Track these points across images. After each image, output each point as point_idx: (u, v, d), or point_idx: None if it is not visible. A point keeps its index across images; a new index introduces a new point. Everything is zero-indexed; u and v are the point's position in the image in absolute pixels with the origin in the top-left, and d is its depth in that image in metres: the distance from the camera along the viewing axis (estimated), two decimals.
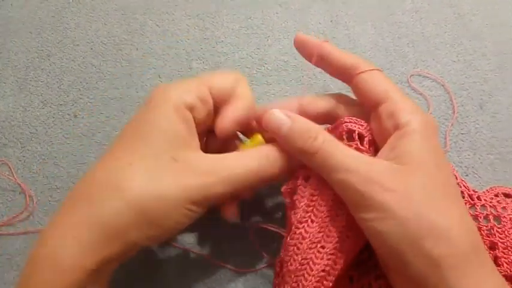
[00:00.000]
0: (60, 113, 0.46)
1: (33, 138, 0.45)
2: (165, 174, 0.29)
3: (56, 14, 0.52)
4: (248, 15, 0.52)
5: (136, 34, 0.51)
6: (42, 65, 0.49)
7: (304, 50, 0.36)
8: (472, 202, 0.40)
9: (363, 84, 0.33)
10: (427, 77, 0.47)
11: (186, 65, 0.49)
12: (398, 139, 0.31)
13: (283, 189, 0.34)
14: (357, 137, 0.33)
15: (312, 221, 0.32)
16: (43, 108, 0.46)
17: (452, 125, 0.45)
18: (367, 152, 0.32)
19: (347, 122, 0.33)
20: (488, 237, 0.38)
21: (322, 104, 0.35)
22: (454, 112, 0.45)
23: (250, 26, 0.51)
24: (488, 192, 0.41)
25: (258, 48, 0.49)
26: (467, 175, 0.43)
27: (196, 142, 0.32)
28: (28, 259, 0.28)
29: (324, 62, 0.35)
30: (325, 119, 0.36)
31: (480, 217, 0.39)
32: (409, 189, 0.28)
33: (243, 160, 0.32)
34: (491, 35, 0.50)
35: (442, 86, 0.47)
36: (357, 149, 0.32)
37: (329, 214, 0.32)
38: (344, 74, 0.34)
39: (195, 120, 0.32)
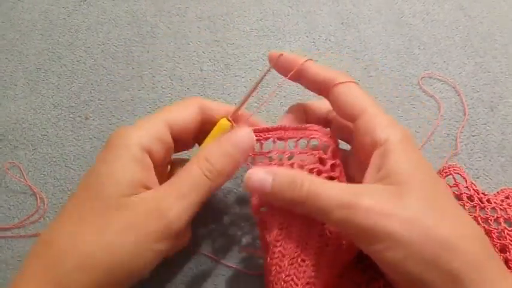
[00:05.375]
0: (71, 115, 0.46)
1: (44, 141, 0.45)
2: (113, 223, 0.29)
3: (67, 16, 0.52)
4: (259, 17, 0.52)
5: (147, 36, 0.51)
6: (53, 67, 0.49)
7: (281, 66, 0.35)
8: (482, 205, 0.40)
9: (339, 97, 0.33)
10: (438, 79, 0.47)
11: (197, 67, 0.49)
12: (382, 158, 0.30)
13: (252, 208, 0.33)
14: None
15: (289, 237, 0.31)
16: (54, 111, 0.46)
17: (463, 127, 0.45)
18: (338, 178, 0.33)
19: (311, 130, 0.34)
20: (499, 239, 0.38)
21: (325, 108, 0.36)
22: (464, 114, 0.45)
23: (261, 28, 0.51)
24: (499, 194, 0.41)
25: (269, 50, 0.49)
26: (477, 177, 0.43)
27: (152, 181, 0.32)
28: None
29: (301, 77, 0.35)
30: (325, 121, 0.37)
31: (491, 220, 0.39)
32: (409, 211, 0.28)
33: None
34: (502, 37, 0.50)
35: (453, 88, 0.47)
36: (329, 177, 0.32)
37: (303, 227, 0.32)
38: (321, 87, 0.34)
39: (153, 160, 0.33)
